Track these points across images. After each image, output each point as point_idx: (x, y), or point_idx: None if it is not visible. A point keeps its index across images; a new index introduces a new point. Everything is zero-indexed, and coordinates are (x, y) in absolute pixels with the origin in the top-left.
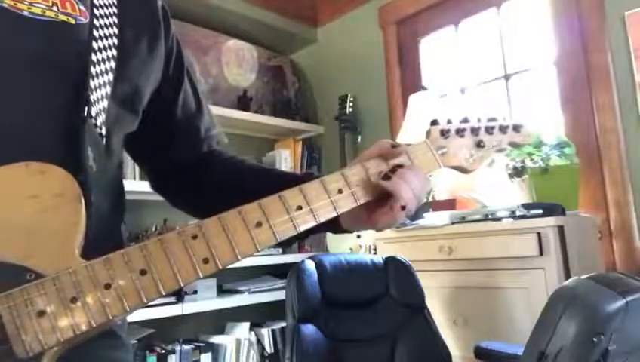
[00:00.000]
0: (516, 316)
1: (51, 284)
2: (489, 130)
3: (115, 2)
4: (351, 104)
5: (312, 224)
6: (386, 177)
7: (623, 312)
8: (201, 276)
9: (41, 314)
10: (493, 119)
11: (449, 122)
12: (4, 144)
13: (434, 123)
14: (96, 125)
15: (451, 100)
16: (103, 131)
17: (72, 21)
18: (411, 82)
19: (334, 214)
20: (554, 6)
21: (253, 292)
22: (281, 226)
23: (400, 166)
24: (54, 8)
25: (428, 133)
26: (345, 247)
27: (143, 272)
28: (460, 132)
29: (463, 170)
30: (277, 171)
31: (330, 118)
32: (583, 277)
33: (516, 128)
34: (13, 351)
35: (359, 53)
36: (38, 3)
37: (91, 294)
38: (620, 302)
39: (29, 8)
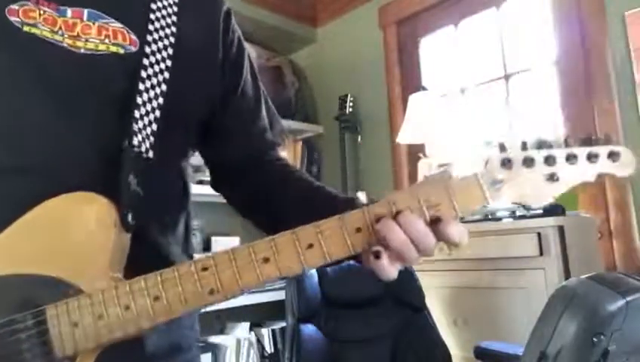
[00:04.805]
0: (516, 316)
1: (86, 300)
2: (571, 159)
3: (174, 21)
4: (351, 104)
5: (321, 263)
6: (376, 256)
7: (623, 312)
8: (207, 305)
9: (75, 324)
10: (586, 140)
11: (512, 147)
12: (54, 171)
13: (502, 148)
14: (140, 152)
15: (451, 100)
16: (150, 155)
17: (121, 51)
18: (411, 82)
19: (350, 254)
20: (554, 6)
21: (254, 292)
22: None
23: (438, 219)
24: (106, 40)
25: (486, 163)
26: None
27: (156, 299)
28: (528, 161)
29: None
30: (322, 193)
31: (330, 118)
32: (583, 277)
33: (613, 155)
34: (53, 351)
35: (359, 53)
36: (92, 38)
37: (113, 312)
38: (620, 302)
39: (85, 45)
